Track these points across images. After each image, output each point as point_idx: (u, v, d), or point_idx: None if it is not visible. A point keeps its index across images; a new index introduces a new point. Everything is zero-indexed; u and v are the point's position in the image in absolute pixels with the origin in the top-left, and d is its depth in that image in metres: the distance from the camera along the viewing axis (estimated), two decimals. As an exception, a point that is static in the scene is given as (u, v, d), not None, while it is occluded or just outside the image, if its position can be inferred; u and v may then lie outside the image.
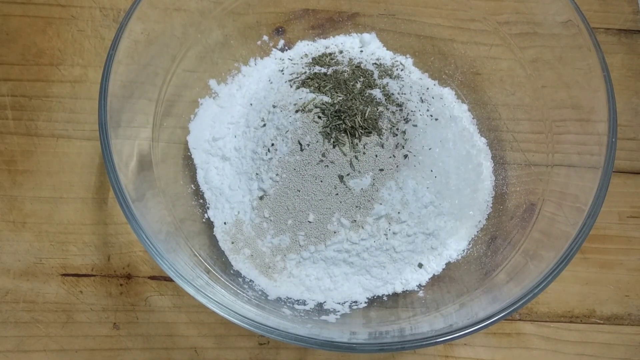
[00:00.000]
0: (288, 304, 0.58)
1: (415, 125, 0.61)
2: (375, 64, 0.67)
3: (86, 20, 0.74)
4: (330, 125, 0.58)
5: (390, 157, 0.59)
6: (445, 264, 0.62)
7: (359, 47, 0.71)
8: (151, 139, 0.60)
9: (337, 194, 0.58)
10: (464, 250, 0.62)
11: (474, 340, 0.62)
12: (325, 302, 0.59)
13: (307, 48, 0.71)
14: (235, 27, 0.69)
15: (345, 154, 0.58)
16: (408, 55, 0.71)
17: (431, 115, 0.63)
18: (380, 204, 0.58)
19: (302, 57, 0.69)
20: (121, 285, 0.63)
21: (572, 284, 0.65)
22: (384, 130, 0.59)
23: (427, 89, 0.67)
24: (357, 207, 0.58)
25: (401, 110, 0.61)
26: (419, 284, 0.61)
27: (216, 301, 0.47)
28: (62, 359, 0.60)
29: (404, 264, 0.60)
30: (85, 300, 0.62)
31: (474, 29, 0.68)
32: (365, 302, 0.59)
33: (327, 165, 0.58)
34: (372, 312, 0.59)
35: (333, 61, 0.67)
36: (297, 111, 0.60)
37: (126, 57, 0.56)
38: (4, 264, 0.63)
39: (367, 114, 0.59)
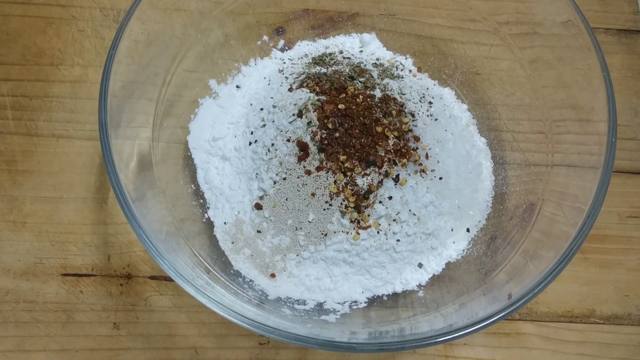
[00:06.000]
0: (288, 304, 0.58)
1: (415, 126, 0.61)
2: (375, 64, 0.67)
3: (86, 20, 0.74)
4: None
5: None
6: (445, 264, 0.62)
7: (359, 47, 0.71)
8: (151, 139, 0.60)
9: (337, 194, 0.58)
10: (463, 250, 0.62)
11: (473, 340, 0.62)
12: (325, 302, 0.59)
13: (307, 48, 0.71)
14: (235, 27, 0.69)
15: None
16: (408, 56, 0.72)
17: (431, 115, 0.64)
18: (380, 202, 0.58)
19: (301, 57, 0.69)
20: (121, 285, 0.63)
21: (572, 283, 0.65)
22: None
23: (427, 89, 0.67)
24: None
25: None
26: (419, 284, 0.61)
27: (216, 301, 0.47)
28: (63, 359, 0.60)
29: (404, 264, 0.60)
30: (85, 300, 0.62)
31: (474, 29, 0.68)
32: (365, 302, 0.59)
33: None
34: (372, 312, 0.59)
35: (333, 61, 0.67)
36: (296, 111, 0.60)
37: (126, 57, 0.56)
38: (5, 264, 0.63)
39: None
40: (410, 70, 0.70)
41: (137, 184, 0.54)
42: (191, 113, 0.66)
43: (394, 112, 0.61)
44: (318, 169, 0.58)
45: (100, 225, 0.65)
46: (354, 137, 0.58)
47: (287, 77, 0.65)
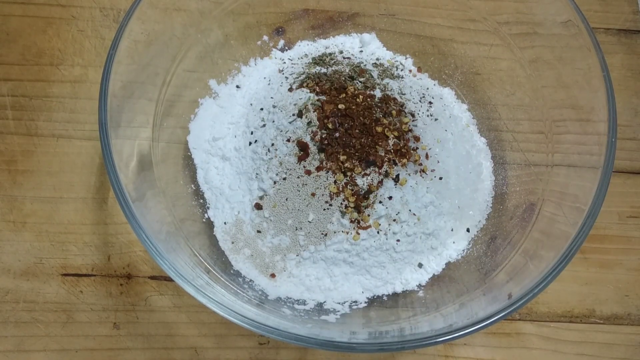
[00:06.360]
0: (288, 304, 0.58)
1: (415, 126, 0.61)
2: (375, 64, 0.67)
3: (86, 20, 0.74)
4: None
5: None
6: (445, 264, 0.62)
7: (359, 47, 0.71)
8: (151, 139, 0.60)
9: (337, 194, 0.58)
10: (463, 250, 0.62)
11: (473, 340, 0.62)
12: (325, 302, 0.59)
13: (307, 48, 0.71)
14: (235, 27, 0.69)
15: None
16: (408, 55, 0.72)
17: (431, 115, 0.64)
18: (380, 202, 0.58)
19: (301, 57, 0.69)
20: (121, 285, 0.63)
21: (572, 283, 0.65)
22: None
23: (427, 89, 0.67)
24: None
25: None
26: (419, 284, 0.61)
27: (216, 301, 0.47)
28: (63, 359, 0.60)
29: (404, 264, 0.60)
30: (85, 300, 0.62)
31: (474, 29, 0.68)
32: (365, 302, 0.59)
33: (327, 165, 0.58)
34: (372, 312, 0.59)
35: (333, 61, 0.67)
36: (296, 111, 0.60)
37: (126, 57, 0.56)
38: (5, 264, 0.63)
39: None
40: (410, 70, 0.70)
41: (137, 184, 0.54)
42: (191, 113, 0.66)
43: (394, 112, 0.61)
44: (318, 169, 0.58)
45: (100, 225, 0.65)
46: (354, 137, 0.58)
47: (287, 77, 0.65)
